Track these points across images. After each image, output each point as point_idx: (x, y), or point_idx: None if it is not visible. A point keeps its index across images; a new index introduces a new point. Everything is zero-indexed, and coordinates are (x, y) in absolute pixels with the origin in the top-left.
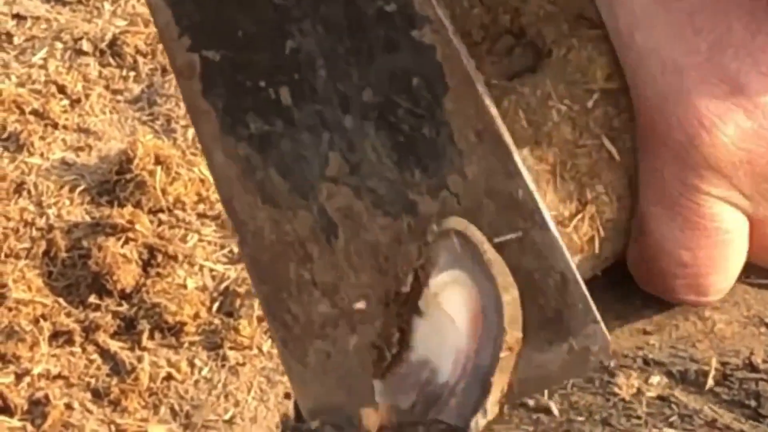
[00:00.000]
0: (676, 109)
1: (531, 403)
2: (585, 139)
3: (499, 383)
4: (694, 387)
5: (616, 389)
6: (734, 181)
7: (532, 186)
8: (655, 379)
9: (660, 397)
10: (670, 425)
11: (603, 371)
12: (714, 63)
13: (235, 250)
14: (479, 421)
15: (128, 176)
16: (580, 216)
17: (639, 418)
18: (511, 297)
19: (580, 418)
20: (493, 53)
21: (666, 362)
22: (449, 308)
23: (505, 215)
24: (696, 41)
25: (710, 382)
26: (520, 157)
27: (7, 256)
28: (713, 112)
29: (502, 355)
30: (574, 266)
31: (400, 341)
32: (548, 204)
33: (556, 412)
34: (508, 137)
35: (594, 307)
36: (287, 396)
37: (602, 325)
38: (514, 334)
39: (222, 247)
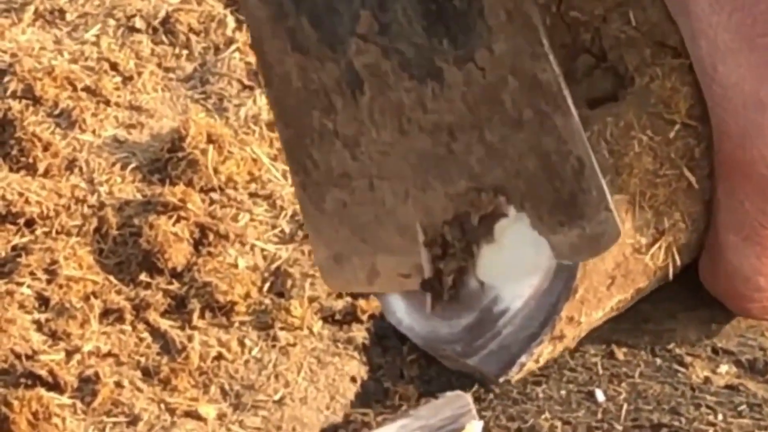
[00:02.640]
0: (758, 144)
1: (595, 391)
2: (665, 169)
3: (568, 325)
4: (762, 376)
5: (684, 378)
6: None
7: (557, 70)
8: (723, 368)
9: (729, 386)
10: (739, 414)
11: (672, 360)
12: None
13: (287, 230)
14: (538, 350)
15: (180, 154)
16: (657, 245)
17: (707, 407)
18: (592, 260)
19: (648, 407)
20: (573, 73)
21: (735, 351)
22: (526, 240)
23: (528, 95)
24: None
25: None
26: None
27: (58, 233)
28: None
29: (568, 306)
30: (592, 153)
31: (460, 266)
32: (626, 232)
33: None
34: (538, 20)
35: (609, 196)
36: (353, 379)
37: (615, 214)
38: (587, 289)
39: (273, 227)
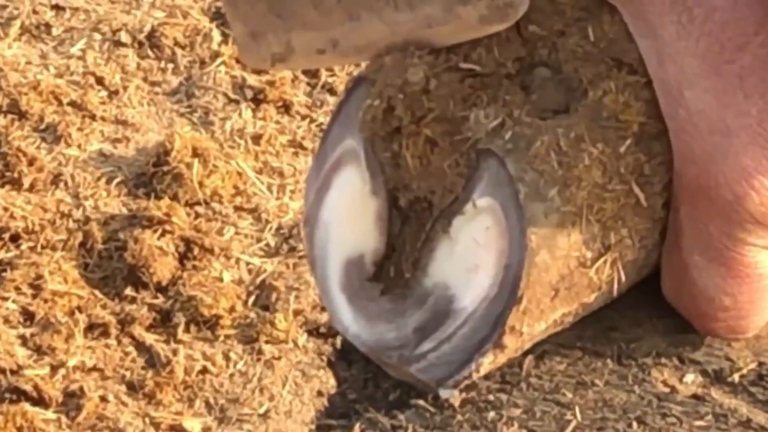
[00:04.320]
0: (723, 168)
1: (560, 399)
2: (614, 184)
3: (510, 335)
4: (729, 386)
5: (650, 387)
6: None
7: None
8: (689, 377)
9: (695, 396)
10: (705, 424)
11: (638, 368)
12: (764, 127)
13: (272, 243)
14: (481, 361)
15: (165, 168)
16: (603, 260)
17: (674, 416)
18: (540, 260)
19: (614, 416)
20: (527, 85)
21: (701, 361)
22: (480, 237)
23: None
24: (746, 105)
25: (745, 381)
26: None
27: (43, 247)
28: (762, 174)
29: (511, 317)
30: None
31: (416, 260)
32: (572, 245)
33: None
34: None
35: None
36: (320, 394)
37: None
38: (530, 299)
39: (258, 240)
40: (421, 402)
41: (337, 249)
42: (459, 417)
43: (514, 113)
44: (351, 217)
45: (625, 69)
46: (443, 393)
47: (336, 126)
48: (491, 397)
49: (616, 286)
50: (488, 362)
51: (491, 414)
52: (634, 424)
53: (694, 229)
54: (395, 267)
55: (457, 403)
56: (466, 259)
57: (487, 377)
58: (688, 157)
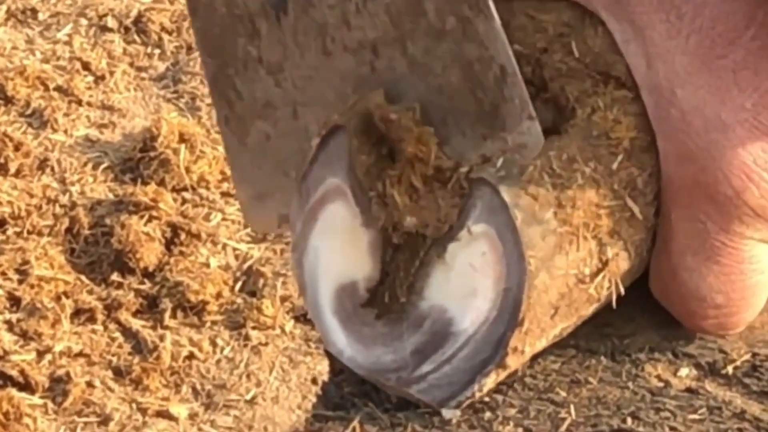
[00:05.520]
0: (721, 164)
1: (555, 397)
2: (609, 200)
3: (513, 356)
4: (723, 378)
5: (644, 382)
6: None
7: None
8: (683, 371)
9: (689, 389)
10: (699, 417)
11: (631, 364)
12: (760, 120)
13: None
14: (484, 381)
15: (152, 154)
16: (601, 275)
17: (668, 410)
18: (540, 281)
19: (608, 412)
20: None
21: (695, 354)
22: (476, 262)
23: (450, 1)
24: (741, 99)
25: (739, 373)
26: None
27: (29, 232)
28: (761, 166)
29: (513, 338)
30: (514, 60)
31: (410, 285)
32: (570, 263)
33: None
34: None
35: (531, 105)
36: (314, 381)
37: (537, 122)
38: (531, 320)
39: (245, 226)
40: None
41: (327, 274)
42: (456, 418)
43: None
44: (342, 246)
45: (613, 83)
46: (446, 413)
47: (316, 167)
48: (487, 398)
49: (614, 297)
50: (491, 381)
51: (487, 414)
52: (629, 420)
53: (688, 230)
54: (389, 292)
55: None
56: (463, 283)
57: None
58: (684, 156)
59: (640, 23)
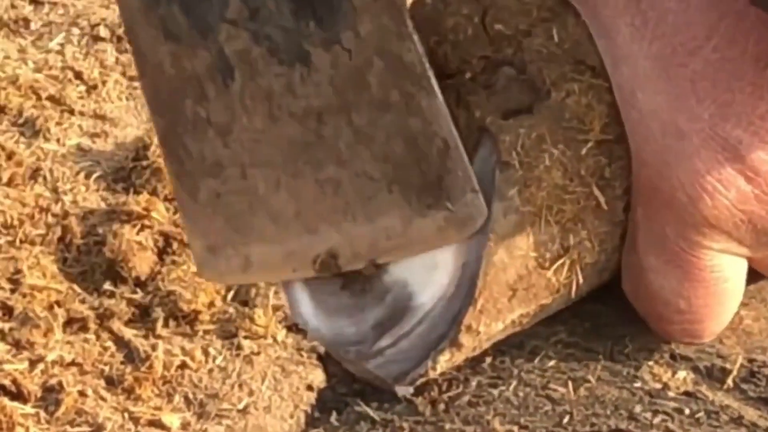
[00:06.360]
0: (677, 172)
1: (552, 394)
2: (575, 186)
3: (467, 334)
4: (720, 383)
5: (642, 384)
6: (735, 235)
7: (421, 50)
8: (681, 374)
9: (686, 393)
10: (696, 421)
11: (630, 365)
12: (716, 131)
13: None
14: (438, 358)
15: (144, 163)
16: (561, 261)
17: (665, 413)
18: (498, 259)
19: (606, 412)
20: (492, 84)
21: (693, 357)
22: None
23: (394, 76)
24: (698, 109)
25: (737, 378)
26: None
27: (21, 242)
28: (715, 177)
29: (468, 315)
30: (456, 135)
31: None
32: (530, 245)
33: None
34: (402, 0)
35: (474, 178)
36: (309, 388)
37: (480, 195)
38: (486, 299)
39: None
40: (412, 397)
41: None
42: (451, 412)
43: (476, 113)
44: None
45: (589, 72)
46: (399, 390)
47: None
48: (483, 393)
49: (574, 288)
50: (444, 360)
51: (483, 409)
52: (626, 420)
53: (650, 230)
54: None
55: (447, 398)
56: (426, 256)
57: (479, 372)
58: (642, 159)
59: (606, 24)
